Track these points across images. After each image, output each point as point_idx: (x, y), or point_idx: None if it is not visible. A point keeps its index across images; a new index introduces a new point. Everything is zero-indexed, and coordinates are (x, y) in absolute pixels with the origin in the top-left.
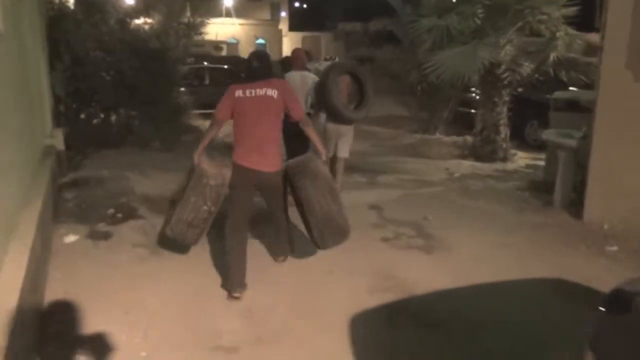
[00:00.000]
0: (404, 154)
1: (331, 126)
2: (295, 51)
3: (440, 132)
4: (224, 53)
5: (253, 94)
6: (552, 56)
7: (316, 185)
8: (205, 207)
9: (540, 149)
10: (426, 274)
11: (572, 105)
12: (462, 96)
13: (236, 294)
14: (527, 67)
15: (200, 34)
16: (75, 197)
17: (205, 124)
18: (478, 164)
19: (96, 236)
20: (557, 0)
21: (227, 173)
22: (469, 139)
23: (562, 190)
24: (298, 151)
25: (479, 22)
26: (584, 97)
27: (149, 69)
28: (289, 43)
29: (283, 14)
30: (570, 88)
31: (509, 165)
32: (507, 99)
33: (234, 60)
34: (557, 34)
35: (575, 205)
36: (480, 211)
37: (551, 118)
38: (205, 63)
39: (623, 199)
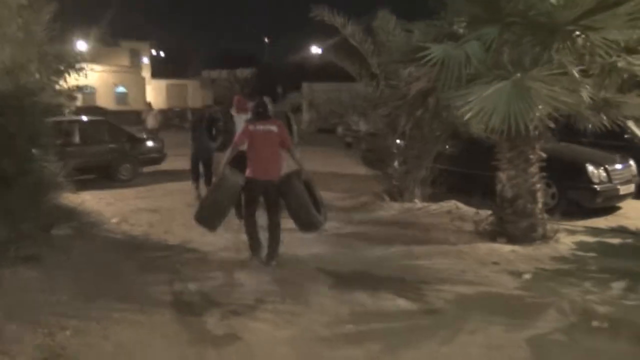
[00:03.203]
0: (399, 237)
1: None
2: (240, 98)
3: (417, 197)
4: (78, 103)
5: (261, 129)
6: (586, 96)
7: (294, 196)
8: (227, 201)
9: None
10: None
11: None
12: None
13: (258, 259)
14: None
15: (81, 69)
16: None
17: (86, 197)
18: (520, 249)
19: None
20: (622, 19)
21: (243, 179)
22: (482, 213)
23: None
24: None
25: (507, 49)
26: None
27: None
28: (153, 91)
29: (145, 60)
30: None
31: (561, 248)
32: (540, 154)
33: (94, 111)
34: (619, 64)
35: None
36: None
37: None
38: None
39: None
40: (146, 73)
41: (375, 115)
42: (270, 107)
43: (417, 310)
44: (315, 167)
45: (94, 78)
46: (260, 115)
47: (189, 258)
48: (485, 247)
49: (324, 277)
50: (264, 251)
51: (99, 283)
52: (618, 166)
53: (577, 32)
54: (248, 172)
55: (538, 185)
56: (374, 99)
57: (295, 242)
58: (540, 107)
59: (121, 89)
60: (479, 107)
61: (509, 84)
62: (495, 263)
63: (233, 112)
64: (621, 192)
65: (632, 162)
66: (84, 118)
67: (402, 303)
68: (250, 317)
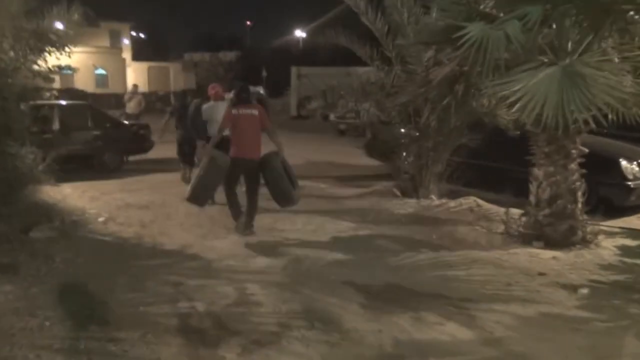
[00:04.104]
0: (424, 239)
1: None
2: (216, 86)
3: (434, 193)
4: (56, 85)
5: (243, 113)
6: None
7: (272, 170)
8: (216, 179)
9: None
10: None
11: None
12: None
13: (245, 232)
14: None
15: (63, 48)
16: None
17: (67, 190)
18: (561, 255)
19: None
20: None
21: (228, 159)
22: (511, 212)
23: None
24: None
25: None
26: None
27: None
28: (133, 74)
29: (125, 41)
30: None
31: (605, 254)
32: (582, 149)
33: (74, 94)
34: None
35: None
36: None
37: None
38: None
39: None
40: (127, 55)
41: (390, 103)
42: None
43: (475, 340)
44: (310, 155)
45: (73, 59)
46: (242, 99)
47: (192, 267)
48: (523, 253)
49: (352, 293)
50: (243, 217)
51: (88, 301)
52: None
53: (632, 12)
54: (233, 152)
55: (578, 184)
56: (388, 86)
57: (312, 246)
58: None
59: (101, 71)
60: (529, 96)
61: (558, 70)
62: (542, 274)
63: (212, 99)
64: None
65: None
66: (65, 102)
67: (454, 329)
68: (277, 349)
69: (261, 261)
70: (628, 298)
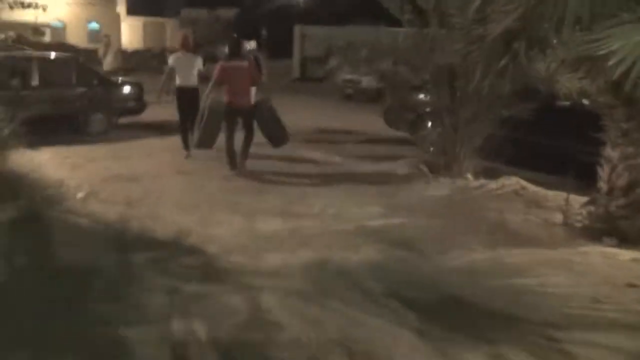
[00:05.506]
0: (471, 232)
1: None
2: (186, 38)
3: (469, 171)
4: (47, 39)
5: (234, 65)
6: None
7: (263, 114)
8: (217, 124)
9: None
10: None
11: None
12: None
13: (234, 171)
14: None
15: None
16: None
17: (45, 157)
18: None
19: None
20: None
21: (223, 107)
22: (571, 199)
23: None
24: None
25: None
26: None
27: None
28: (128, 29)
29: None
30: None
31: None
32: None
33: (65, 48)
34: None
35: None
36: None
37: None
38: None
39: None
40: (121, 9)
41: (425, 64)
42: (248, 46)
43: None
44: (319, 121)
45: (64, 12)
46: (233, 52)
47: (189, 266)
48: (595, 254)
49: (400, 311)
50: (238, 164)
51: (53, 320)
52: None
53: None
54: (227, 100)
55: None
56: (423, 44)
57: (335, 238)
58: None
59: (94, 25)
60: (633, 57)
61: None
62: (632, 285)
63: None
64: None
65: None
66: (44, 55)
67: None
68: None
69: (275, 258)
70: None
